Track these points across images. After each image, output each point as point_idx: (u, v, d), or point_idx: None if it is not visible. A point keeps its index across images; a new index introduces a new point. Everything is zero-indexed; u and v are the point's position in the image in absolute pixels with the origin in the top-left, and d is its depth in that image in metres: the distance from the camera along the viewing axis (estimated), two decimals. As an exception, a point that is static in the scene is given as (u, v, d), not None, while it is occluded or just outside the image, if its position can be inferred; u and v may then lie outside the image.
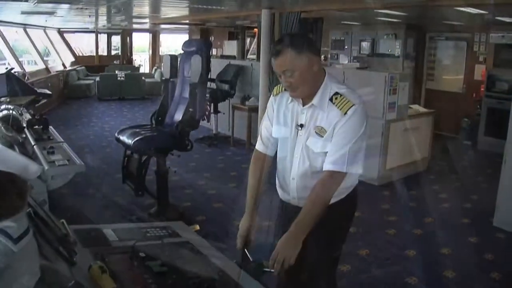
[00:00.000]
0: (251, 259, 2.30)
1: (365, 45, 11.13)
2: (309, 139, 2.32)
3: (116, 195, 5.90)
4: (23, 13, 9.38)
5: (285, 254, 2.14)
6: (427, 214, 5.49)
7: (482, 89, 9.22)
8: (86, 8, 8.94)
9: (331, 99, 2.25)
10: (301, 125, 2.34)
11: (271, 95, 2.56)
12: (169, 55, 5.24)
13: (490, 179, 6.84)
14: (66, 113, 12.27)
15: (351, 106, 2.20)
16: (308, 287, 2.55)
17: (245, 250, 2.39)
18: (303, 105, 2.34)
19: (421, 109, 7.45)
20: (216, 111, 9.04)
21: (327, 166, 2.25)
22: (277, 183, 2.63)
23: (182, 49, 5.15)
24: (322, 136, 2.27)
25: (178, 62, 5.19)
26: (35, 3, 7.16)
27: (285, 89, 2.39)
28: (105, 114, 12.39)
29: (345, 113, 2.20)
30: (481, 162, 8.15)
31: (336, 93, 2.25)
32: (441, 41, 10.57)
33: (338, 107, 2.22)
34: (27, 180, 1.40)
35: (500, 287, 3.93)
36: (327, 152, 2.26)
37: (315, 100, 2.29)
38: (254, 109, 8.20)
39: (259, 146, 2.62)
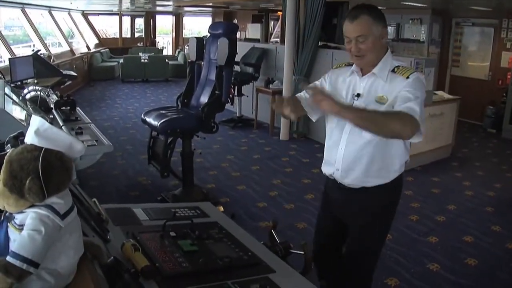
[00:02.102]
0: (278, 241, 2.34)
1: (390, 29, 11.00)
2: (369, 108, 2.24)
3: (141, 176, 6.01)
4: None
5: (328, 102, 2.04)
6: (450, 201, 5.48)
7: (508, 76, 9.11)
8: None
9: (393, 70, 2.28)
10: (358, 95, 2.35)
11: (331, 69, 2.58)
12: (195, 37, 5.24)
13: (514, 167, 6.79)
14: (91, 94, 12.42)
15: (412, 72, 2.24)
16: (347, 276, 2.59)
17: (273, 231, 2.44)
18: (363, 75, 2.37)
19: (446, 96, 7.37)
20: (240, 94, 9.08)
21: (402, 107, 2.11)
22: (323, 160, 2.58)
23: (209, 31, 5.15)
24: (384, 103, 2.25)
25: (204, 45, 5.21)
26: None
27: (345, 65, 2.46)
28: (129, 95, 12.50)
29: (407, 77, 2.21)
30: (506, 150, 8.06)
31: (398, 66, 2.29)
32: (467, 27, 10.40)
33: (400, 74, 2.25)
34: (72, 158, 1.46)
35: (523, 276, 3.91)
36: None
37: (376, 69, 2.31)
38: (278, 92, 8.17)
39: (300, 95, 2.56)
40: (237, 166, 6.61)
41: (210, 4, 14.57)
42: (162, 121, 4.63)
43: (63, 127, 4.49)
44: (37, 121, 1.43)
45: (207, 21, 19.87)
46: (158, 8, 17.12)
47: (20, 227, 1.35)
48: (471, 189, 5.99)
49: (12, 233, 1.37)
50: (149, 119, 4.85)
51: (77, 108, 5.28)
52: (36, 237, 1.31)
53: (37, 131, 1.40)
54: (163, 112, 4.92)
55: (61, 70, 8.89)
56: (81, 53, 14.09)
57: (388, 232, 2.61)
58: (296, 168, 6.59)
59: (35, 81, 7.01)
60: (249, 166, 6.62)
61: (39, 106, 5.03)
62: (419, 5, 9.41)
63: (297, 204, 5.24)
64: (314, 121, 2.64)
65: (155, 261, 1.81)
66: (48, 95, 5.70)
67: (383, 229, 2.56)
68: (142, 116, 5.02)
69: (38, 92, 5.45)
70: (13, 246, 1.31)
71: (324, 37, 7.97)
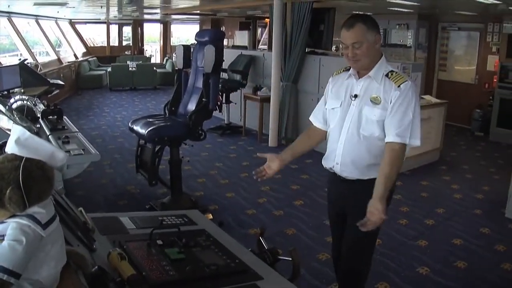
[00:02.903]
0: (266, 247, 2.33)
1: (378, 35, 11.07)
2: (365, 108, 2.53)
3: (129, 185, 5.97)
4: (35, 4, 9.43)
5: (378, 212, 2.31)
6: (439, 205, 5.50)
7: (494, 80, 9.18)
8: (99, -1, 8.98)
9: (387, 75, 2.52)
10: (355, 95, 2.58)
11: (332, 77, 2.82)
12: (182, 45, 5.23)
13: (502, 170, 6.84)
14: (79, 103, 12.36)
15: (405, 81, 2.47)
16: (347, 264, 2.77)
17: (261, 238, 2.42)
18: (359, 78, 2.59)
19: (434, 100, 7.42)
20: (228, 101, 9.08)
21: (392, 138, 2.45)
22: (324, 155, 2.78)
23: (195, 39, 5.15)
24: (377, 104, 2.50)
25: (191, 52, 5.20)
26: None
27: (343, 70, 2.71)
28: (117, 104, 12.46)
29: (399, 86, 2.46)
30: (493, 153, 8.11)
31: (392, 71, 2.54)
32: (453, 31, 10.49)
33: (392, 81, 2.49)
34: (54, 167, 1.44)
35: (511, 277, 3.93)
36: (381, 121, 2.48)
37: (371, 73, 2.54)
38: (266, 99, 8.21)
39: (315, 122, 2.86)
40: (226, 174, 6.59)
41: (198, 11, 14.58)
42: (149, 129, 4.61)
43: (50, 136, 4.46)
44: (17, 130, 1.41)
45: (194, 28, 19.88)
46: (146, 16, 17.11)
47: (1, 238, 1.32)
48: (460, 192, 6.02)
49: None
50: (137, 128, 4.83)
51: (64, 117, 5.25)
52: (17, 247, 1.29)
53: (18, 140, 1.38)
54: (151, 120, 4.90)
55: (48, 79, 8.85)
56: (68, 62, 14.03)
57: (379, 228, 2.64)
58: (285, 174, 6.56)
59: (22, 90, 6.96)
60: (238, 173, 6.60)
61: (26, 115, 5.00)
62: (406, 10, 9.48)
63: (286, 210, 5.23)
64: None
65: (141, 270, 1.79)
66: (35, 104, 5.66)
67: None
68: (130, 124, 5.00)
69: (25, 102, 5.42)
70: None
71: (311, 43, 8.00)
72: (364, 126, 2.54)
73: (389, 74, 2.51)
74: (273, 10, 7.85)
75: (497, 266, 4.11)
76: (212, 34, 5.03)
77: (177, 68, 5.38)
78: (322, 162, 2.79)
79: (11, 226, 1.32)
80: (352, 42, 2.46)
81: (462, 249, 4.41)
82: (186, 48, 5.18)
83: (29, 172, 1.35)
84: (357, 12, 2.63)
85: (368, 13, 10.53)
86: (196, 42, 5.18)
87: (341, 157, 2.61)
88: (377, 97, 2.51)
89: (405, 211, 5.23)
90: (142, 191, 5.76)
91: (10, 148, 1.39)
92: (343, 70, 2.71)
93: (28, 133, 1.41)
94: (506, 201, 5.22)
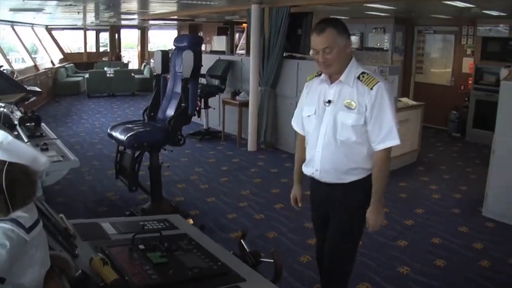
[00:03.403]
0: (247, 250, 2.34)
1: (354, 39, 11.17)
2: (339, 114, 2.54)
3: (109, 191, 5.93)
4: (11, 10, 9.32)
5: (378, 219, 2.61)
6: (417, 205, 5.58)
7: (470, 81, 9.35)
8: (75, 5, 8.90)
9: (358, 77, 2.51)
10: (329, 101, 2.58)
11: (305, 82, 2.83)
12: (160, 50, 5.22)
13: (478, 170, 6.95)
14: (56, 110, 12.22)
15: (377, 83, 2.47)
16: (331, 266, 2.79)
17: (242, 241, 2.43)
18: (331, 83, 2.59)
19: (411, 102, 7.52)
20: (207, 106, 9.07)
21: (379, 146, 2.52)
22: (305, 162, 2.82)
23: (174, 44, 5.15)
24: (352, 109, 2.51)
25: (170, 58, 5.20)
26: (24, -1, 7.15)
27: (315, 76, 2.71)
28: (95, 110, 12.35)
29: (371, 88, 2.47)
30: (470, 153, 8.24)
31: (363, 72, 2.53)
32: (429, 35, 10.65)
33: (364, 83, 2.49)
34: (37, 171, 1.44)
35: (490, 274, 3.99)
36: (357, 125, 2.50)
37: (342, 77, 2.54)
38: (244, 104, 8.23)
39: (296, 127, 2.92)
40: (206, 178, 6.59)
41: (175, 17, 14.54)
42: (128, 135, 4.59)
43: (28, 143, 4.42)
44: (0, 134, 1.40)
45: (172, 34, 19.84)
46: (123, 22, 17.00)
47: None
48: (438, 192, 6.10)
49: None
50: (116, 134, 4.80)
51: (42, 124, 5.20)
52: (1, 251, 1.28)
53: (1, 144, 1.38)
54: (129, 126, 4.88)
55: (25, 86, 8.72)
56: (45, 69, 13.86)
57: (363, 226, 2.74)
58: (265, 178, 6.60)
59: (-1, 97, 6.85)
60: (218, 178, 6.60)
61: (3, 122, 4.95)
62: (382, 14, 9.60)
63: (267, 214, 5.25)
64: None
65: (124, 275, 1.79)
66: (12, 112, 5.60)
67: (360, 219, 2.69)
68: (109, 130, 4.97)
69: (2, 109, 5.35)
70: None
71: (289, 47, 8.04)
72: (340, 132, 2.55)
73: (361, 77, 2.51)
74: (251, 15, 7.88)
75: (475, 263, 4.18)
76: (190, 40, 5.04)
77: (155, 74, 5.37)
78: (303, 169, 2.82)
79: None
80: (323, 47, 2.46)
81: (441, 248, 4.47)
82: (165, 53, 5.17)
83: (13, 176, 1.35)
84: (329, 17, 2.66)
85: (345, 17, 10.67)
86: (174, 47, 5.19)
87: (320, 163, 2.63)
88: (351, 102, 2.51)
89: (385, 212, 5.24)
90: (122, 197, 5.72)
91: None
92: (316, 75, 2.72)
93: (10, 137, 1.41)
94: (483, 200, 5.31)
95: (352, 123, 2.50)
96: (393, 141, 2.50)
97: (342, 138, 2.54)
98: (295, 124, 2.90)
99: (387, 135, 2.49)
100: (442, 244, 4.57)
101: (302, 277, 3.86)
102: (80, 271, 1.59)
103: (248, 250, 2.33)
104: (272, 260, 2.22)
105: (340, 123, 2.54)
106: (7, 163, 1.36)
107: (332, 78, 2.58)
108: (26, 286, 1.36)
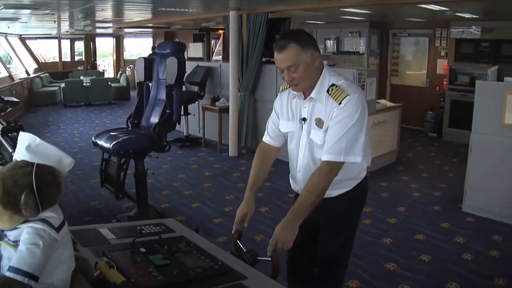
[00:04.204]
0: (244, 250, 2.39)
1: (330, 43, 11.36)
2: (312, 132, 2.38)
3: (93, 200, 5.91)
4: (-15, 20, 9.23)
5: (283, 239, 2.24)
6: (399, 204, 5.73)
7: (445, 82, 9.57)
8: (52, 13, 8.84)
9: (327, 91, 2.30)
10: (304, 119, 2.42)
11: (278, 92, 2.64)
12: (143, 58, 5.26)
13: (456, 168, 7.14)
14: (33, 120, 12.09)
15: (345, 96, 2.25)
16: (327, 275, 2.68)
17: (238, 241, 2.49)
18: (305, 99, 2.40)
19: (389, 103, 7.67)
20: (187, 113, 9.08)
21: (324, 157, 2.30)
22: (290, 174, 2.68)
23: (156, 51, 5.18)
24: (321, 128, 2.33)
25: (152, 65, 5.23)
26: (1, 8, 7.08)
27: (288, 86, 2.46)
28: (73, 120, 12.26)
29: (340, 103, 2.25)
30: (447, 152, 8.45)
31: (333, 85, 2.31)
32: (403, 38, 10.88)
33: (333, 98, 2.27)
34: (62, 172, 1.48)
35: (473, 266, 4.14)
36: None
37: (313, 94, 2.34)
38: (224, 110, 8.28)
39: (265, 138, 2.71)
40: (189, 185, 6.62)
41: (151, 25, 14.52)
42: (114, 142, 4.61)
43: (13, 153, 4.39)
44: (27, 137, 1.44)
45: (147, 42, 19.80)
46: (98, 31, 16.88)
47: (15, 243, 1.35)
48: (418, 190, 6.26)
49: (6, 250, 1.37)
50: (101, 142, 4.81)
51: (25, 134, 5.17)
52: (35, 250, 1.32)
53: (28, 147, 1.42)
54: (114, 133, 4.90)
55: (1, 96, 8.63)
56: (20, 79, 13.70)
57: (356, 231, 2.73)
58: (247, 182, 6.64)
59: (-23, 109, 6.79)
60: (201, 184, 6.65)
61: (-17, 133, 4.90)
62: (358, 18, 9.76)
63: (253, 218, 5.26)
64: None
65: (130, 277, 1.82)
66: (-11, 123, 5.54)
67: (351, 226, 2.67)
68: (93, 139, 4.97)
69: (-20, 120, 5.30)
70: (12, 262, 1.31)
71: (267, 53, 8.11)
72: (316, 151, 2.40)
73: (330, 90, 2.29)
74: (229, 22, 7.94)
75: (458, 256, 4.33)
76: (174, 46, 5.07)
77: (138, 81, 5.39)
78: (290, 182, 2.69)
79: (26, 231, 1.35)
80: (287, 65, 2.24)
81: (425, 244, 4.61)
82: (147, 60, 5.21)
83: (41, 177, 1.39)
84: (290, 30, 2.23)
85: (321, 22, 10.82)
86: (156, 54, 5.21)
87: (303, 183, 2.44)
88: (320, 119, 2.33)
89: (368, 211, 5.38)
90: (107, 205, 5.72)
91: (22, 155, 1.42)
92: (289, 86, 2.44)
93: (38, 139, 1.44)
94: (462, 196, 5.48)
95: (321, 142, 2.34)
96: (353, 157, 2.29)
97: (319, 157, 2.37)
98: (267, 138, 2.69)
99: (340, 148, 2.26)
100: (425, 240, 4.70)
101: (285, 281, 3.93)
102: (98, 271, 1.63)
103: (245, 250, 2.39)
104: (270, 259, 2.28)
105: (314, 142, 2.39)
106: (35, 165, 1.39)
107: (306, 93, 2.38)
108: (55, 285, 1.40)
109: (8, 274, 1.29)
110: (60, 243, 1.42)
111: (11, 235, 1.37)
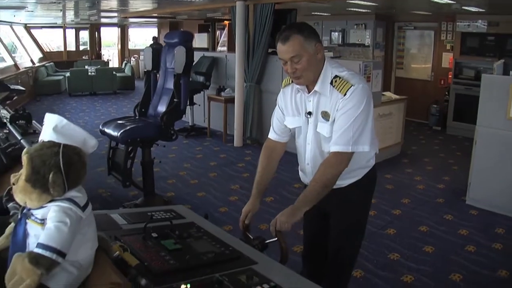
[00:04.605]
0: (251, 238, 2.44)
1: (336, 35, 11.36)
2: (318, 125, 2.39)
3: (100, 188, 5.96)
4: (-8, 8, 9.26)
5: (281, 219, 2.29)
6: (403, 196, 5.77)
7: (450, 76, 9.58)
8: (59, 2, 8.86)
9: (331, 83, 2.31)
10: (310, 113, 2.43)
11: (281, 88, 2.63)
12: (151, 47, 5.29)
13: (460, 161, 7.17)
14: (38, 109, 12.09)
15: (350, 87, 2.25)
16: (338, 266, 2.70)
17: (246, 232, 2.53)
18: (309, 93, 2.41)
19: (394, 96, 7.68)
20: (192, 103, 9.11)
21: (332, 148, 2.31)
22: (299, 167, 2.70)
23: (164, 40, 5.21)
24: (328, 120, 2.34)
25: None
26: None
27: (292, 81, 2.46)
28: (78, 109, 12.30)
29: (345, 94, 2.26)
30: (451, 146, 8.48)
31: (336, 76, 2.31)
32: (409, 31, 10.87)
33: (338, 90, 2.28)
34: (86, 152, 1.52)
35: (476, 258, 4.19)
36: None
37: (317, 87, 2.35)
38: (230, 100, 8.32)
39: (270, 134, 2.70)
40: (195, 174, 6.66)
41: (156, 14, 14.52)
42: (122, 130, 4.65)
43: (22, 140, 4.43)
44: (54, 118, 1.48)
45: (152, 32, 19.78)
46: (103, 20, 16.91)
47: (42, 221, 1.39)
48: (422, 183, 6.29)
49: (33, 228, 1.41)
50: (108, 130, 4.85)
51: (33, 121, 5.21)
52: (63, 228, 1.35)
53: (55, 127, 1.46)
54: (122, 122, 4.94)
55: (8, 85, 8.67)
56: (25, 68, 13.73)
57: (366, 219, 2.75)
58: (253, 173, 6.60)
59: (-15, 97, 6.83)
60: (207, 173, 6.69)
61: (-9, 121, 4.94)
62: (364, 10, 9.76)
63: (258, 207, 5.32)
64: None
65: (143, 261, 1.86)
66: (-2, 110, 5.58)
67: (362, 216, 2.70)
68: (101, 127, 5.01)
69: (-10, 108, 5.34)
70: (40, 239, 1.35)
71: (273, 44, 8.12)
72: (323, 144, 2.42)
73: (333, 82, 2.30)
74: (235, 12, 7.96)
75: (462, 248, 4.38)
76: (182, 36, 5.09)
77: (145, 70, 5.41)
78: (300, 174, 2.73)
79: (53, 209, 1.39)
80: (290, 56, 2.26)
81: (428, 235, 4.65)
82: (155, 50, 5.23)
83: (68, 157, 1.43)
84: (294, 22, 2.19)
85: (327, 14, 10.82)
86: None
87: (312, 175, 2.45)
88: (326, 112, 2.34)
89: (373, 202, 5.28)
90: (113, 193, 5.76)
91: (48, 135, 1.46)
92: (293, 81, 2.45)
93: (65, 120, 1.48)
94: (466, 189, 5.52)
95: (329, 135, 2.35)
96: (361, 146, 2.30)
97: (326, 150, 2.39)
98: (273, 134, 2.68)
99: (343, 138, 2.27)
100: (429, 231, 4.75)
101: (296, 265, 3.96)
102: (117, 252, 1.67)
103: (252, 238, 2.43)
104: (276, 239, 2.32)
105: (321, 136, 2.41)
106: (61, 145, 1.43)
107: (310, 87, 2.39)
108: (80, 263, 1.44)
109: (37, 250, 1.33)
110: (85, 222, 1.46)
111: (38, 213, 1.41)
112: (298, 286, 1.85)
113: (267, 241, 2.35)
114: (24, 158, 1.41)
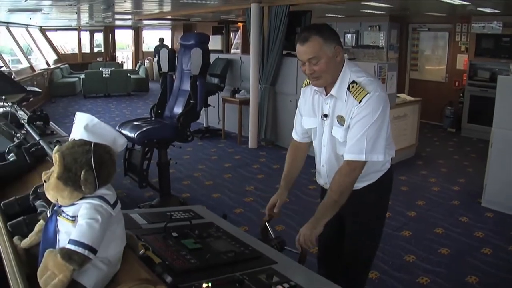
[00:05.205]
0: (272, 235, 2.46)
1: (350, 37, 11.36)
2: (333, 129, 2.39)
3: (116, 189, 5.92)
4: (9, 10, 9.36)
5: (306, 233, 2.30)
6: (418, 197, 5.75)
7: (464, 78, 9.53)
8: (75, 4, 8.97)
9: (348, 88, 2.29)
10: (326, 115, 2.42)
11: (301, 88, 2.63)
12: (167, 49, 5.35)
13: (475, 163, 7.14)
14: (53, 111, 12.23)
15: (366, 95, 2.23)
16: (345, 273, 2.71)
17: (267, 224, 2.55)
18: (326, 95, 2.40)
19: (408, 98, 7.67)
20: (207, 105, 9.15)
21: (346, 156, 2.31)
22: (316, 168, 2.70)
23: (180, 42, 5.27)
24: (343, 125, 2.33)
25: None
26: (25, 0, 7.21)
27: (310, 82, 2.45)
28: (93, 111, 12.39)
29: (360, 101, 2.24)
30: (466, 148, 8.43)
31: (353, 82, 2.29)
32: (423, 32, 10.83)
33: (354, 96, 2.26)
34: (116, 151, 1.56)
35: (492, 260, 4.17)
36: None
37: (333, 91, 2.34)
38: (244, 102, 8.34)
39: (293, 134, 2.74)
40: (210, 175, 6.70)
41: (170, 17, 14.61)
42: (138, 132, 4.70)
43: (40, 141, 4.49)
44: (85, 117, 1.52)
45: (166, 34, 19.88)
46: (117, 22, 17.05)
47: (73, 219, 1.42)
48: (437, 185, 6.27)
49: (64, 225, 1.44)
50: (125, 131, 4.90)
51: (51, 122, 5.27)
52: (94, 225, 1.39)
53: (87, 126, 1.49)
54: (138, 123, 4.99)
55: (25, 87, 8.77)
56: (41, 70, 13.88)
57: (384, 222, 2.76)
58: (268, 174, 6.72)
59: (3, 97, 6.91)
60: (221, 175, 6.72)
61: (10, 122, 5.00)
62: (378, 12, 9.75)
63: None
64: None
65: (164, 259, 1.89)
66: (16, 111, 5.65)
67: (379, 219, 2.70)
68: (117, 128, 5.05)
69: (8, 108, 5.41)
70: (72, 235, 1.38)
71: (288, 46, 8.15)
72: (339, 147, 2.41)
73: (350, 87, 2.28)
74: (250, 14, 7.99)
75: (477, 251, 4.36)
76: (198, 38, 5.14)
77: (161, 72, 5.47)
78: (316, 176, 2.72)
79: (84, 207, 1.42)
80: (308, 57, 2.24)
81: (444, 237, 4.64)
82: (171, 51, 5.29)
83: (99, 156, 1.46)
84: (314, 23, 2.23)
85: (341, 16, 10.82)
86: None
87: (327, 178, 2.50)
88: (342, 116, 2.33)
89: (388, 204, 5.40)
90: (129, 194, 5.81)
91: (79, 134, 1.49)
92: (310, 82, 2.45)
93: (96, 119, 1.52)
94: (481, 191, 5.49)
95: (343, 140, 2.34)
96: (375, 155, 2.28)
97: (341, 153, 2.37)
98: (294, 133, 2.73)
99: (357, 147, 2.26)
100: (444, 233, 4.74)
101: (313, 266, 3.98)
102: (143, 250, 1.70)
103: (273, 236, 2.45)
104: (297, 251, 2.34)
105: (336, 140, 2.40)
106: (92, 143, 1.47)
107: (327, 89, 2.38)
108: (110, 259, 1.46)
109: (69, 246, 1.36)
110: (115, 219, 1.49)
111: (69, 210, 1.44)
112: (318, 286, 1.87)
113: (287, 247, 2.37)
114: (56, 156, 1.44)
